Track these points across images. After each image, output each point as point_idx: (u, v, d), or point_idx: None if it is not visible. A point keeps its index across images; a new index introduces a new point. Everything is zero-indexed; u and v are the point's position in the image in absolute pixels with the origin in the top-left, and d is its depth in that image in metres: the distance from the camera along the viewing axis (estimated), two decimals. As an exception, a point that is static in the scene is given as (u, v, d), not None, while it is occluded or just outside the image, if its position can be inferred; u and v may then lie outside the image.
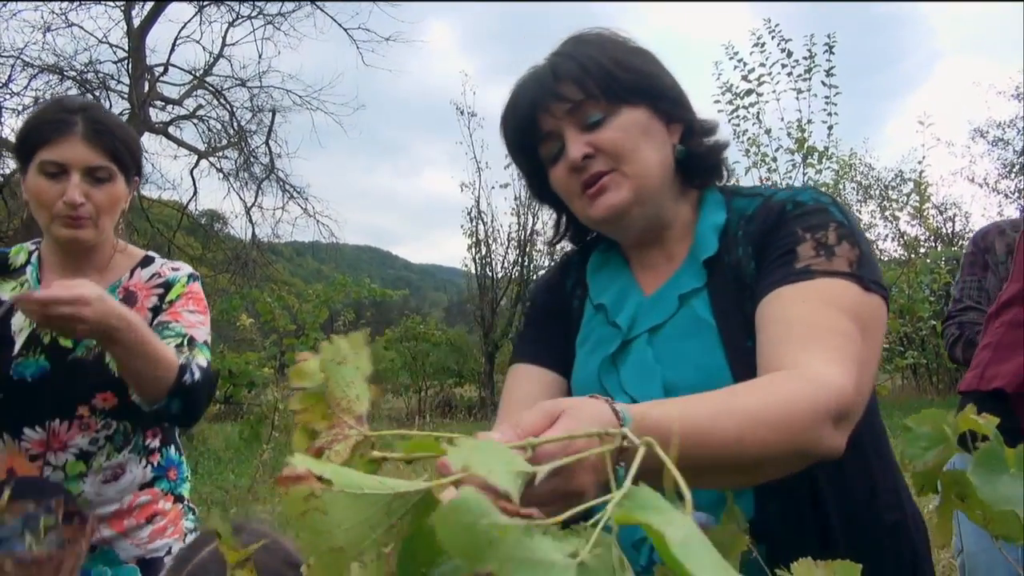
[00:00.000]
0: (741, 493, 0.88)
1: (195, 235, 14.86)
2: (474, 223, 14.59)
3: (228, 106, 12.96)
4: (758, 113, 9.65)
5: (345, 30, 12.86)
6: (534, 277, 13.81)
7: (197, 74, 12.77)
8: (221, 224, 15.40)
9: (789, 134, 9.61)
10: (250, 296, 11.18)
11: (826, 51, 9.37)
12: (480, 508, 0.36)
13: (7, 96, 11.05)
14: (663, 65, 1.03)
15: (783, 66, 9.41)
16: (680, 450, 0.64)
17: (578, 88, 0.96)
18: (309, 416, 0.55)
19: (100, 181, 1.45)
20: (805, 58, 9.36)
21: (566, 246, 1.19)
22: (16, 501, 1.15)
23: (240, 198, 13.56)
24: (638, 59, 1.01)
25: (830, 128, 9.56)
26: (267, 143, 13.20)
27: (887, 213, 13.38)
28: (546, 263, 13.36)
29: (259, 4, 12.35)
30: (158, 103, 12.62)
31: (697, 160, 1.03)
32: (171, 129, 12.92)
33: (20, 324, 1.47)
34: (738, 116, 9.63)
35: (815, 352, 0.78)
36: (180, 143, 13.03)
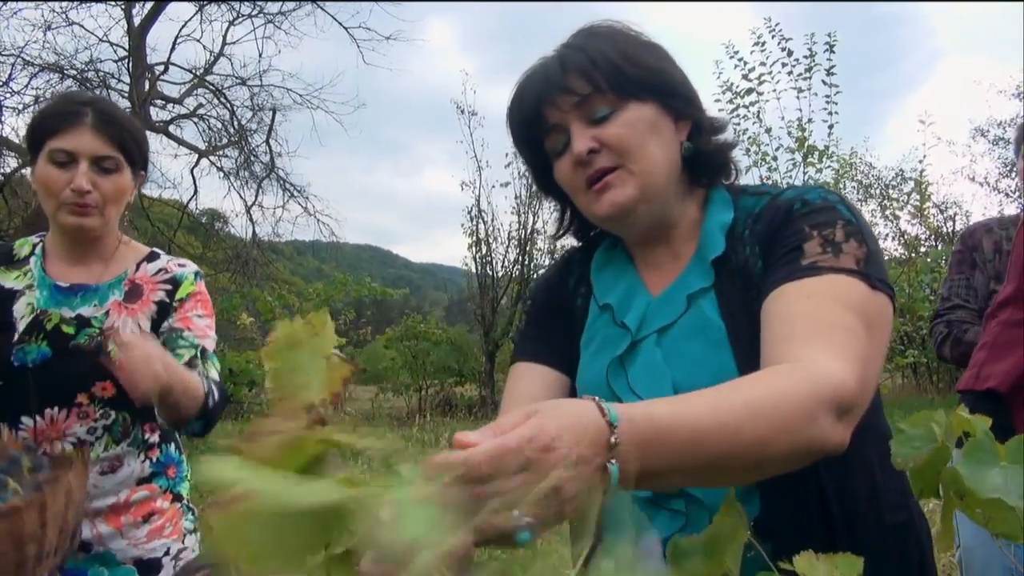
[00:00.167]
0: (747, 492, 0.88)
1: (195, 234, 14.85)
2: (474, 222, 14.57)
3: (228, 105, 12.96)
4: (758, 112, 9.67)
5: (345, 29, 12.85)
6: (535, 276, 13.79)
7: (197, 73, 12.76)
8: (221, 223, 15.40)
9: (789, 133, 9.63)
10: (250, 295, 11.20)
11: (827, 50, 9.38)
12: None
13: (7, 95, 11.04)
14: (674, 61, 1.02)
15: (783, 65, 9.43)
16: (679, 446, 0.65)
17: (586, 81, 0.95)
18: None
19: (107, 171, 1.49)
20: (806, 57, 9.37)
21: (568, 242, 1.19)
22: None
23: (240, 197, 13.57)
24: (648, 54, 0.99)
25: (831, 127, 9.58)
26: (267, 142, 13.20)
27: (888, 212, 13.36)
28: (547, 262, 13.35)
29: (260, 3, 12.34)
30: (158, 102, 12.61)
31: (705, 158, 1.01)
32: (171, 128, 12.92)
33: (22, 311, 1.49)
34: (738, 115, 9.65)
35: (818, 347, 0.78)
36: (180, 142, 13.02)
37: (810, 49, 9.36)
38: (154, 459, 1.56)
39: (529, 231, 14.26)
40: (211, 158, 13.31)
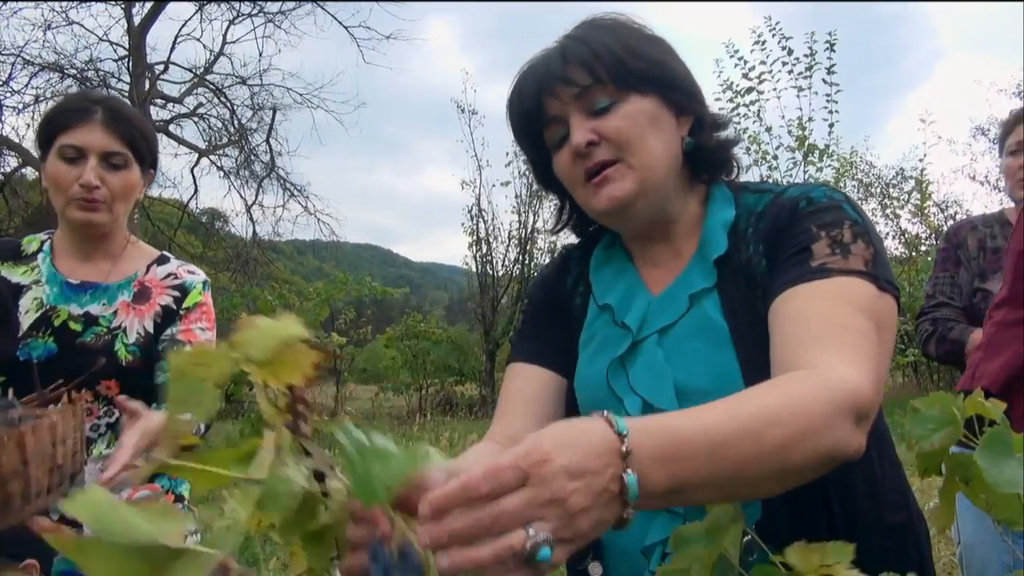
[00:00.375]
0: None
1: (196, 233, 14.86)
2: (475, 221, 14.58)
3: (229, 104, 12.97)
4: (759, 111, 9.65)
5: (346, 28, 12.86)
6: (535, 275, 13.75)
7: (198, 72, 12.76)
8: (222, 222, 15.41)
9: (790, 132, 9.61)
10: (251, 294, 11.19)
11: (827, 49, 9.36)
12: None
13: (7, 94, 11.05)
14: (676, 55, 1.00)
15: (784, 64, 9.41)
16: (700, 454, 0.63)
17: (587, 73, 0.94)
18: (262, 377, 0.58)
19: (116, 167, 1.50)
20: (806, 56, 9.35)
21: (567, 237, 1.18)
22: None
23: (241, 196, 13.58)
24: (651, 47, 0.98)
25: (831, 126, 9.56)
26: (267, 141, 13.21)
27: (888, 211, 13.34)
28: (547, 261, 13.33)
29: (260, 2, 12.35)
30: (159, 101, 12.62)
31: (706, 154, 1.00)
32: (172, 127, 12.92)
33: (27, 306, 1.50)
34: (739, 114, 9.63)
35: (832, 351, 0.77)
36: (181, 141, 13.03)
37: (810, 48, 9.35)
38: None
39: (529, 230, 14.27)
40: (211, 157, 13.32)
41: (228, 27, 12.63)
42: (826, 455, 0.71)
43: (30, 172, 11.34)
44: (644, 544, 0.91)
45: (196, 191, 13.34)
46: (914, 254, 12.24)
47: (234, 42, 12.85)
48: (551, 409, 1.03)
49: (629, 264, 1.06)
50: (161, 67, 12.61)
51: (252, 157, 13.30)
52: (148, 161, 1.56)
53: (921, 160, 13.75)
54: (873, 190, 13.65)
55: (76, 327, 1.49)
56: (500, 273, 14.73)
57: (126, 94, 11.48)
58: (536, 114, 0.98)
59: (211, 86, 12.97)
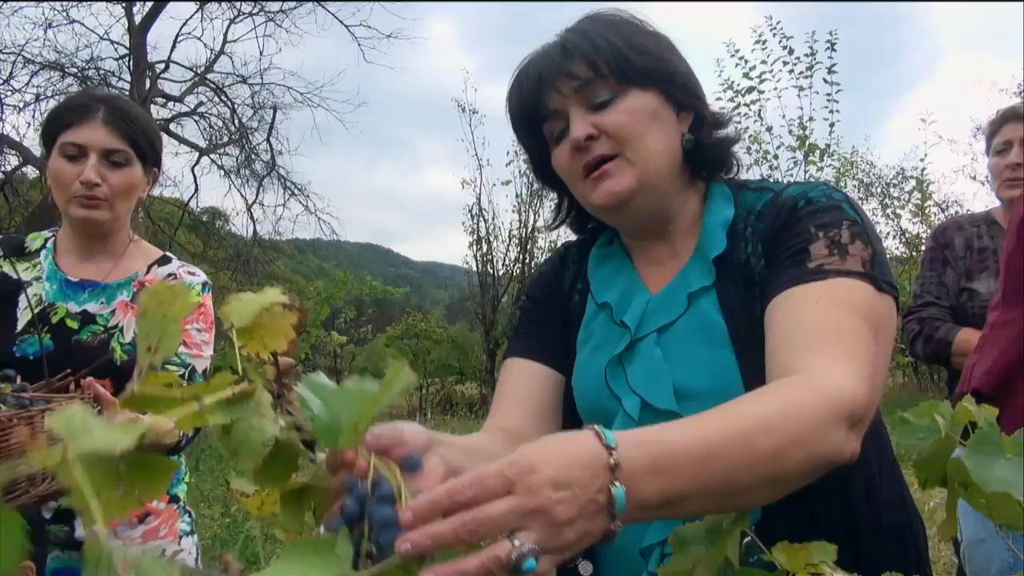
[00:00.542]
0: None
1: (196, 232, 14.83)
2: (475, 220, 14.59)
3: (229, 103, 12.94)
4: (759, 110, 9.66)
5: (346, 27, 12.83)
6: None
7: (198, 71, 12.75)
8: (222, 221, 15.39)
9: (791, 131, 9.63)
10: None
11: (828, 48, 9.37)
12: None
13: (8, 93, 11.03)
14: (678, 52, 1.00)
15: (784, 63, 9.42)
16: (691, 464, 0.64)
17: (588, 66, 0.93)
18: (250, 348, 0.62)
19: (117, 165, 1.50)
20: (807, 55, 9.36)
21: (567, 236, 1.17)
22: None
23: (241, 195, 13.55)
24: (653, 43, 0.98)
25: (832, 125, 9.57)
26: (268, 140, 13.18)
27: (889, 211, 13.32)
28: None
29: (260, 1, 12.33)
30: (159, 100, 12.60)
31: (706, 151, 1.00)
32: (172, 126, 12.90)
33: (26, 302, 1.50)
34: (740, 113, 9.63)
35: (827, 355, 0.76)
36: (181, 140, 13.01)
37: (811, 47, 9.36)
38: None
39: (530, 229, 14.27)
40: (212, 156, 13.30)
41: (229, 26, 12.63)
42: (819, 462, 0.70)
43: (31, 171, 11.34)
44: (642, 545, 0.91)
45: (197, 190, 13.33)
46: (915, 254, 12.21)
47: (235, 41, 12.84)
48: (547, 404, 1.03)
49: (627, 262, 1.05)
50: (162, 66, 12.61)
51: (253, 156, 13.29)
52: (151, 160, 1.57)
53: (922, 160, 13.76)
54: (874, 190, 13.63)
55: (73, 325, 1.49)
56: (500, 272, 14.74)
57: (127, 93, 11.46)
58: (536, 107, 0.98)
59: (212, 85, 12.96)
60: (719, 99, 9.63)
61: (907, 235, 13.15)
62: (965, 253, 2.23)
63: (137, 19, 11.90)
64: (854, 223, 0.89)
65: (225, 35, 12.66)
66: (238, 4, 12.36)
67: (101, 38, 11.69)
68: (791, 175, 9.45)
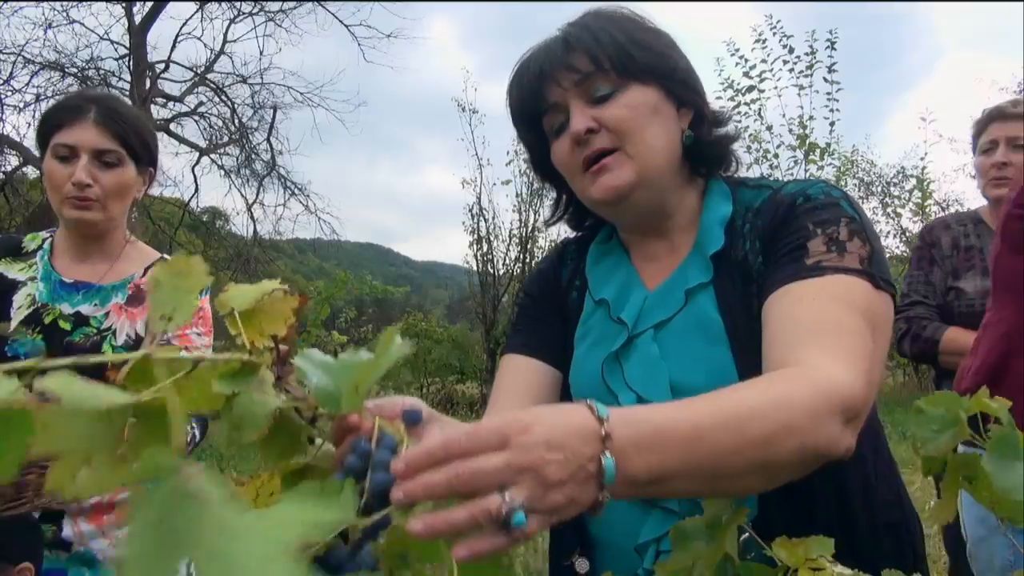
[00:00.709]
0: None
1: (197, 232, 14.84)
2: (475, 220, 14.55)
3: (229, 103, 12.95)
4: (760, 109, 9.66)
5: (346, 27, 12.83)
6: (535, 273, 13.73)
7: (198, 71, 12.75)
8: (223, 221, 15.40)
9: (791, 130, 9.62)
10: (252, 293, 11.14)
11: (828, 47, 9.36)
12: None
13: (8, 93, 11.04)
14: (679, 49, 1.00)
15: (785, 62, 9.41)
16: (680, 443, 0.64)
17: (589, 60, 0.94)
18: (249, 334, 0.62)
19: (108, 165, 1.50)
20: (807, 54, 9.36)
21: (565, 233, 1.18)
22: None
23: (241, 195, 13.56)
24: (654, 39, 0.98)
25: (832, 124, 9.57)
26: (268, 140, 13.19)
27: (889, 210, 13.32)
28: (547, 260, 13.30)
29: (260, 1, 12.33)
30: (159, 100, 12.61)
31: (706, 148, 1.00)
32: (172, 126, 12.91)
33: (20, 302, 1.50)
34: (740, 112, 9.63)
35: (823, 350, 0.76)
36: (181, 140, 13.02)
37: (811, 46, 9.35)
38: None
39: (530, 229, 14.25)
40: (212, 156, 13.31)
41: (229, 26, 12.63)
42: (812, 452, 0.70)
43: (31, 171, 11.35)
44: (638, 541, 0.91)
45: (197, 190, 13.34)
46: (915, 253, 12.18)
47: (235, 41, 12.85)
48: (544, 400, 1.03)
49: (625, 259, 1.05)
50: (162, 66, 12.61)
51: (253, 156, 13.29)
52: (145, 160, 1.55)
53: (922, 159, 13.76)
54: (874, 189, 13.62)
55: (66, 326, 1.49)
56: (501, 272, 14.71)
57: (127, 93, 11.47)
58: (536, 100, 0.98)
59: (212, 85, 12.96)
60: (719, 98, 9.64)
61: (907, 234, 13.15)
62: (952, 252, 2.25)
63: (137, 19, 11.91)
64: (852, 220, 0.89)
65: (225, 35, 12.67)
66: (238, 4, 12.37)
67: (101, 38, 11.70)
68: (791, 174, 9.45)
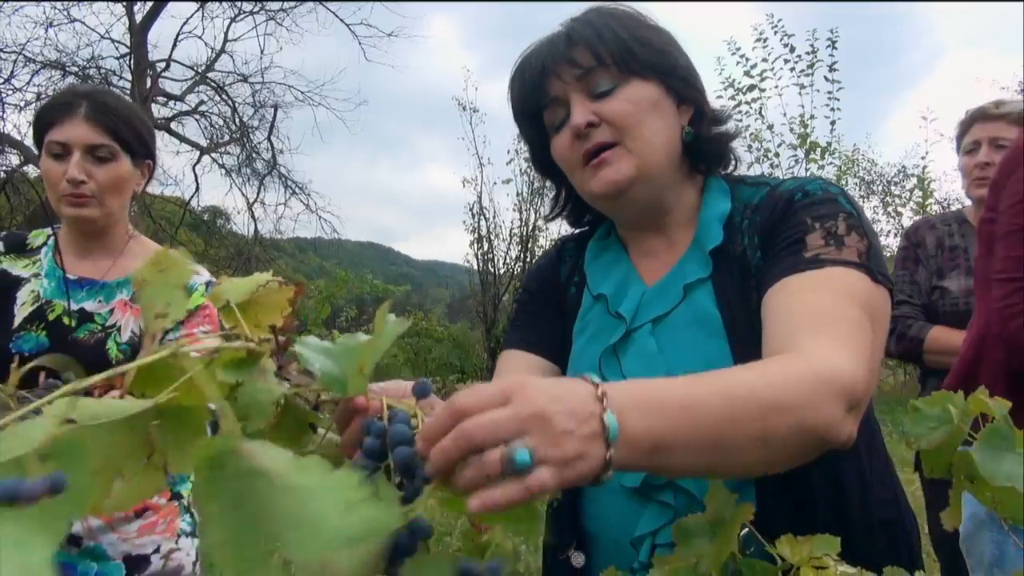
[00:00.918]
0: (744, 489, 0.87)
1: (197, 231, 14.85)
2: (476, 219, 14.54)
3: (230, 102, 12.95)
4: (760, 108, 9.64)
5: (347, 26, 12.83)
6: (536, 273, 13.73)
7: (199, 70, 12.75)
8: (223, 220, 15.40)
9: (791, 129, 9.61)
10: (252, 292, 11.15)
11: (828, 46, 9.35)
12: None
13: (9, 92, 11.04)
14: (680, 46, 1.01)
15: (785, 61, 9.40)
16: (677, 410, 0.63)
17: (591, 55, 0.94)
18: (239, 329, 0.61)
19: (102, 160, 1.49)
20: (808, 53, 9.34)
21: (565, 232, 1.18)
22: None
23: (242, 194, 13.57)
24: (655, 36, 0.99)
25: (833, 123, 9.56)
26: (269, 139, 13.19)
27: (890, 209, 13.32)
28: (548, 259, 13.31)
29: (261, 0, 12.33)
30: (160, 99, 12.61)
31: (705, 145, 1.01)
32: (173, 125, 12.91)
33: (24, 298, 1.50)
34: (740, 111, 9.62)
35: (826, 338, 0.77)
36: (182, 139, 13.03)
37: (812, 45, 9.34)
38: None
39: (531, 228, 14.24)
40: (213, 155, 13.31)
41: (230, 25, 12.63)
42: (811, 432, 0.69)
43: (32, 169, 11.35)
44: (634, 535, 0.91)
45: (198, 189, 13.35)
46: (916, 252, 12.18)
47: (236, 40, 12.85)
48: None
49: (623, 254, 1.06)
50: (163, 65, 12.61)
51: (254, 155, 13.30)
52: (140, 152, 1.54)
53: (923, 158, 13.74)
54: (875, 188, 13.62)
55: (69, 322, 1.48)
56: (501, 271, 14.70)
57: (128, 92, 11.48)
58: (537, 94, 0.98)
59: (213, 84, 12.96)
60: (720, 97, 9.63)
61: (908, 233, 13.13)
62: (936, 252, 2.27)
63: (138, 18, 11.91)
64: (850, 215, 0.90)
65: (226, 34, 12.67)
66: (239, 3, 12.37)
67: (102, 37, 11.70)
68: (792, 173, 9.44)
